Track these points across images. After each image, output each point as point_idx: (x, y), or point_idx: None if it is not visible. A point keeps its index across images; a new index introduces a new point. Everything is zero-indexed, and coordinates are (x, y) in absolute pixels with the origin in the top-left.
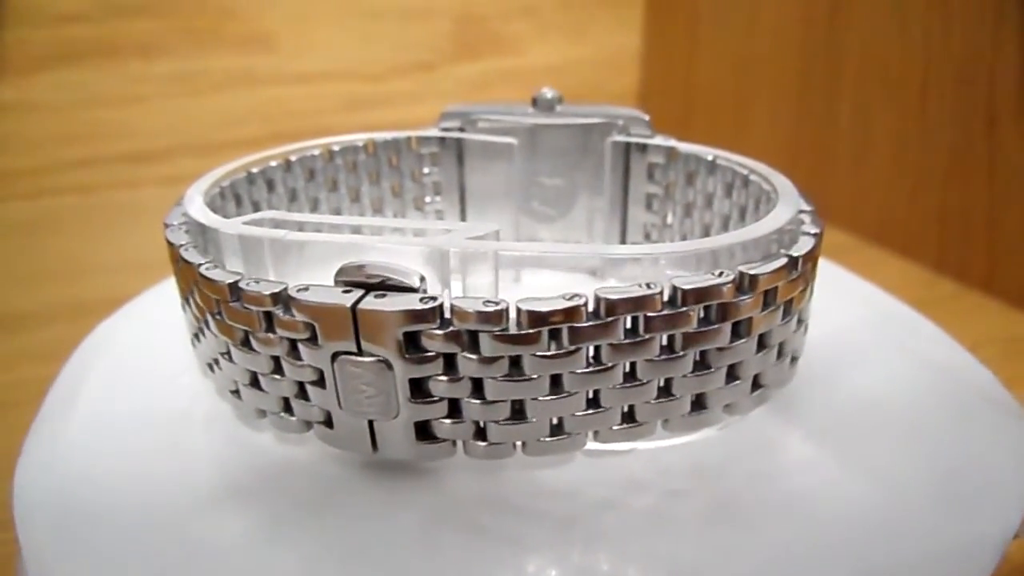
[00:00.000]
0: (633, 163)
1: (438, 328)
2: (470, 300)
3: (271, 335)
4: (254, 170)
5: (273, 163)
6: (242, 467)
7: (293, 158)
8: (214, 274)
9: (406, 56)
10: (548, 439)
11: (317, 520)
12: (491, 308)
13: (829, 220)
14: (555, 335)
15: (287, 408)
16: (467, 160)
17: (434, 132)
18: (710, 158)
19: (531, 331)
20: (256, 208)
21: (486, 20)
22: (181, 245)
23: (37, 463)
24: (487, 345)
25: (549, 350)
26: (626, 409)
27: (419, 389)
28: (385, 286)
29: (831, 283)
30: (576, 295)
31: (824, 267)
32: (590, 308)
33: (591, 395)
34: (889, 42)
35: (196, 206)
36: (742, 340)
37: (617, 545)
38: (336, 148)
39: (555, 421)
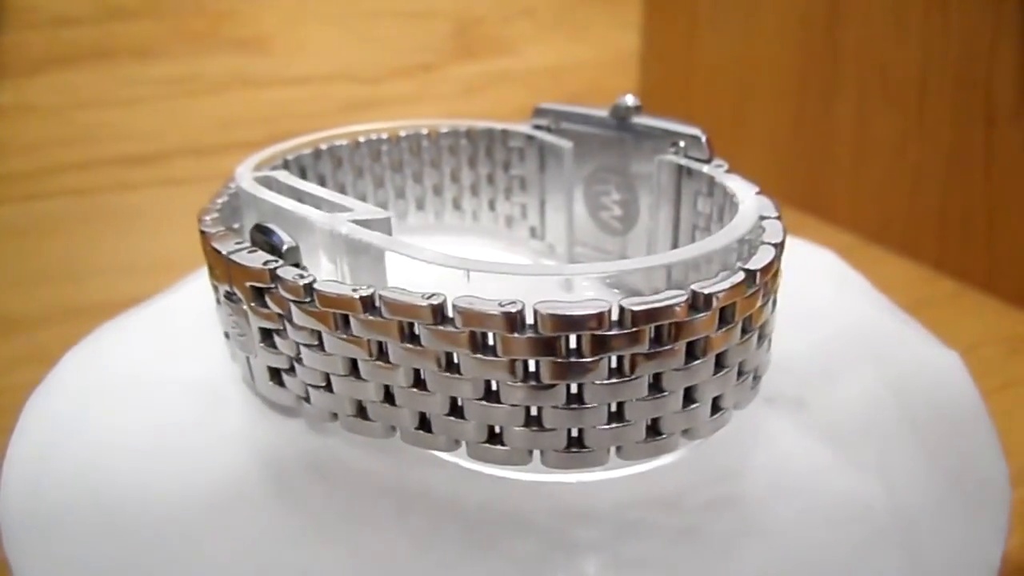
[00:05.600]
0: (684, 187)
1: (275, 290)
2: (289, 270)
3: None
4: (361, 139)
5: (383, 135)
6: (237, 469)
7: (402, 134)
8: (203, 214)
9: (404, 58)
10: (357, 418)
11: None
12: (300, 282)
13: (829, 220)
14: (345, 321)
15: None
16: (545, 159)
17: (521, 127)
18: (735, 196)
19: (327, 311)
20: (359, 173)
21: (485, 21)
22: (227, 187)
23: (21, 471)
24: (296, 315)
25: (344, 333)
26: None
27: (268, 338)
28: (272, 246)
29: (826, 282)
30: (358, 286)
31: (821, 263)
32: (374, 303)
33: (388, 389)
34: (888, 42)
35: (249, 161)
36: (748, 335)
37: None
38: (444, 130)
39: (365, 405)
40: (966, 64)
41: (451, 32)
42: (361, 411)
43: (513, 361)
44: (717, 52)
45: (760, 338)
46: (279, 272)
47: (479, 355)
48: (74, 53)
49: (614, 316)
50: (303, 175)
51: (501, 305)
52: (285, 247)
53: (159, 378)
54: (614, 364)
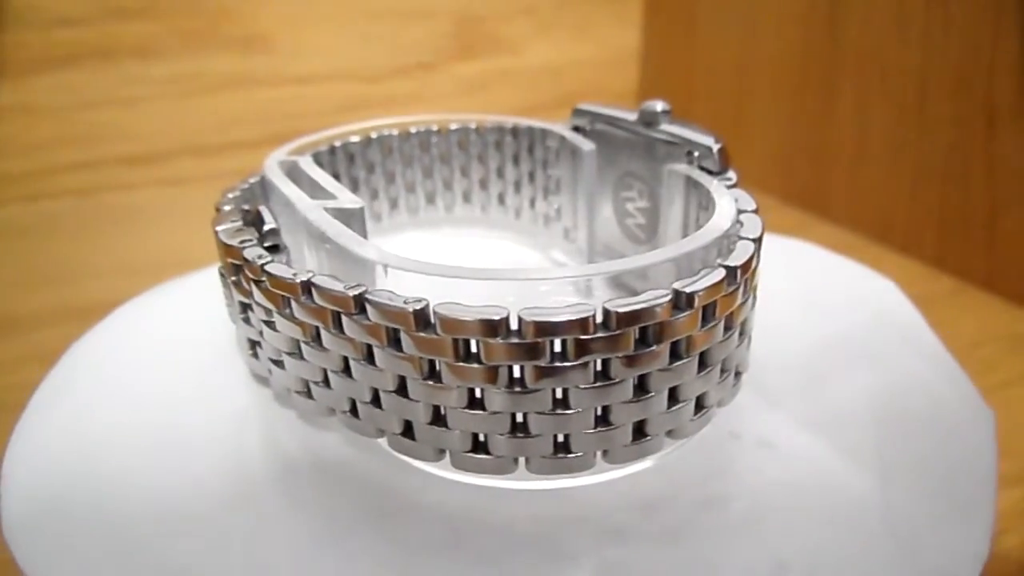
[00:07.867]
0: (691, 199)
1: (244, 268)
2: (254, 251)
3: None
4: (412, 130)
5: (433, 127)
6: (242, 469)
7: (452, 127)
8: (226, 192)
9: (405, 56)
10: (304, 396)
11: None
12: (258, 263)
13: (829, 218)
14: (289, 304)
15: None
16: (576, 161)
17: (556, 127)
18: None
19: (276, 292)
20: (408, 162)
21: (485, 20)
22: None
23: (22, 468)
24: (256, 293)
25: (290, 316)
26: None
27: (244, 312)
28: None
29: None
30: (299, 271)
31: (874, 292)
32: (311, 290)
33: (326, 374)
34: (888, 41)
35: (285, 147)
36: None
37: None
38: (489, 125)
39: (309, 385)
40: (966, 63)
41: (451, 31)
42: (308, 390)
43: (420, 358)
44: (717, 51)
45: (735, 331)
46: (245, 252)
47: (391, 350)
48: (74, 53)
49: (513, 325)
50: (351, 162)
51: (406, 303)
52: (265, 228)
53: (164, 357)
54: (516, 373)
